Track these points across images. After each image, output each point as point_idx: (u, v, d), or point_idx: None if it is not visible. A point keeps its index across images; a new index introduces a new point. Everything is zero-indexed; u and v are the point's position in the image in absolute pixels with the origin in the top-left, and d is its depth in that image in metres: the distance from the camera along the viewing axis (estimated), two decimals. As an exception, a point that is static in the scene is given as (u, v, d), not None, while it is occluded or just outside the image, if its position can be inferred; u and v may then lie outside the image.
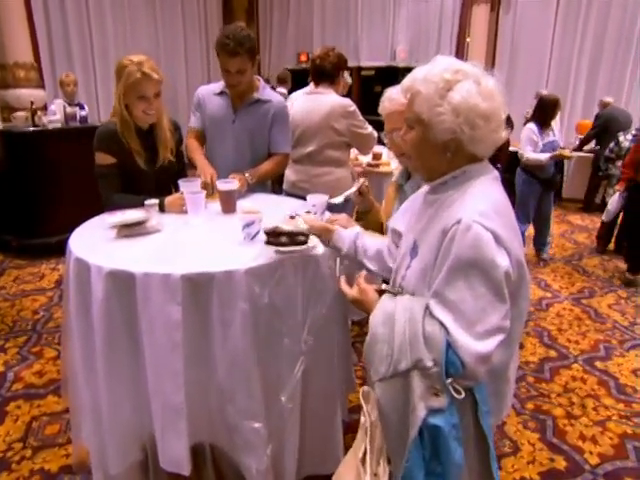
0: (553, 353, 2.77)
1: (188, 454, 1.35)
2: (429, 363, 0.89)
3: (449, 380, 0.89)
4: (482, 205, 0.94)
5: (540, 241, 4.23)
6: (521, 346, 2.83)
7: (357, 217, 1.66)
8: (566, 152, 3.88)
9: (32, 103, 4.19)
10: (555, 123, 4.17)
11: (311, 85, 3.50)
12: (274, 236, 1.29)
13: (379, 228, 1.67)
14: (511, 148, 4.67)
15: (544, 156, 3.78)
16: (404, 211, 1.24)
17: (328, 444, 1.60)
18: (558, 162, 4.15)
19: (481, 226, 0.90)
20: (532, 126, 3.88)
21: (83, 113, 4.25)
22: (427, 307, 0.94)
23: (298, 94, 3.36)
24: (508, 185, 3.07)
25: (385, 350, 0.92)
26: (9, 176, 4.05)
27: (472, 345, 0.89)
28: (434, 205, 1.04)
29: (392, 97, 1.41)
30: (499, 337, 0.91)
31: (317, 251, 1.35)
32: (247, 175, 2.02)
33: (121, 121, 1.81)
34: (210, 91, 2.21)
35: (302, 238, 1.29)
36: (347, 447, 1.82)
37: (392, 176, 2.93)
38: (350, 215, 1.63)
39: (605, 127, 5.62)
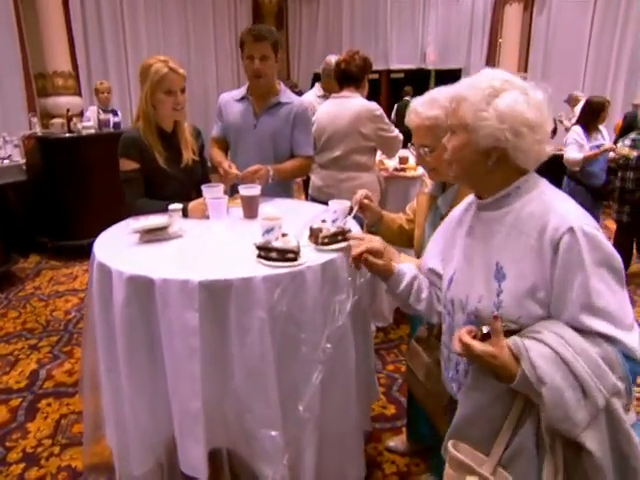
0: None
1: (205, 459, 1.35)
2: (619, 383, 0.85)
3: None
4: (574, 209, 0.96)
5: None
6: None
7: (368, 230, 1.61)
8: (624, 150, 3.56)
9: (68, 110, 4.37)
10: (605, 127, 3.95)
11: (317, 86, 3.51)
12: (265, 251, 1.31)
13: (395, 237, 1.62)
14: (556, 152, 4.48)
15: (579, 155, 3.60)
16: (438, 244, 1.18)
17: (349, 454, 1.57)
18: (611, 169, 3.84)
19: (590, 226, 0.91)
20: (577, 128, 3.75)
21: (116, 119, 4.39)
22: (571, 327, 0.88)
23: (311, 97, 3.35)
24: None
25: (574, 396, 0.82)
26: (46, 180, 4.22)
27: (634, 341, 0.88)
28: (505, 220, 0.99)
29: (418, 110, 1.35)
30: (636, 324, 0.91)
31: (306, 268, 1.30)
32: (270, 171, 2.01)
33: (145, 122, 1.85)
34: (231, 97, 2.25)
35: (291, 255, 1.29)
36: (368, 456, 1.80)
37: (419, 181, 2.89)
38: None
39: (629, 128, 5.39)
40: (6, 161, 4.33)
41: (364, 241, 1.26)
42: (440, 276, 1.16)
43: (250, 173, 1.95)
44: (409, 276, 1.19)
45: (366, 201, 1.56)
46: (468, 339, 0.89)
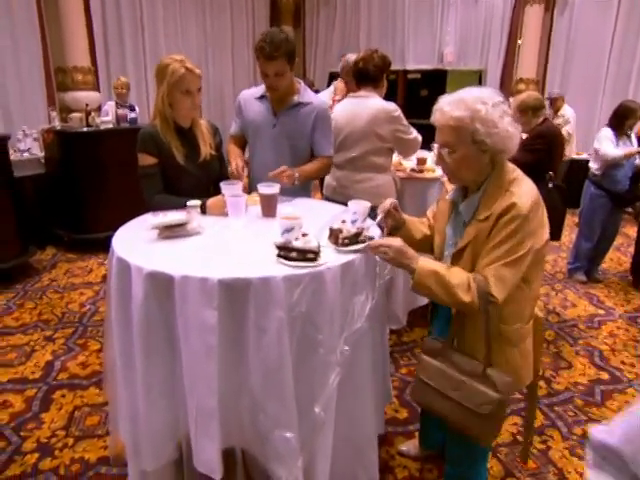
0: (605, 375, 2.59)
1: (220, 458, 1.34)
2: None
3: None
4: None
5: (596, 261, 3.92)
6: (569, 365, 2.67)
7: (389, 234, 1.58)
8: None
9: (87, 105, 4.40)
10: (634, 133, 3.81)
11: (335, 85, 3.51)
12: (285, 250, 1.29)
13: (417, 244, 1.58)
14: (575, 156, 4.36)
15: (619, 152, 3.48)
16: None
17: (362, 457, 1.56)
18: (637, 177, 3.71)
19: None
20: (606, 129, 3.62)
21: (133, 115, 4.41)
22: None
23: (328, 95, 3.33)
24: (563, 193, 2.89)
25: None
26: (63, 173, 4.26)
27: None
28: None
29: (444, 109, 1.31)
30: None
31: (326, 269, 1.28)
32: (296, 173, 2.00)
33: (162, 120, 1.87)
34: (251, 95, 2.23)
35: (312, 255, 1.28)
36: (380, 460, 1.78)
37: (437, 183, 2.86)
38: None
39: None
40: (25, 154, 4.38)
41: (384, 241, 1.30)
42: None
43: (276, 174, 1.93)
44: None
45: (393, 210, 1.53)
46: None
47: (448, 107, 1.30)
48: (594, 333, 3.06)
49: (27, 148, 4.43)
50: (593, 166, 3.69)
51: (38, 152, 4.50)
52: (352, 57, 3.29)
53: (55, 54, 5.45)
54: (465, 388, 1.31)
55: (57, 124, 4.51)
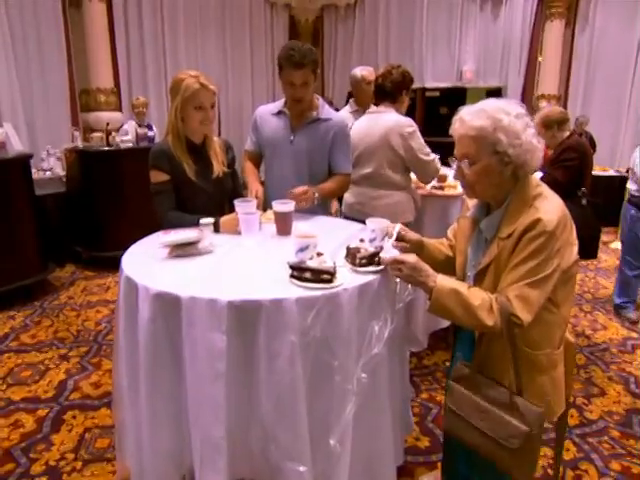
0: (643, 405, 2.42)
1: (227, 492, 1.26)
2: None
3: None
4: None
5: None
6: (602, 392, 2.50)
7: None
8: None
9: (107, 124, 4.49)
10: None
11: (350, 102, 3.52)
12: (299, 271, 1.23)
13: (441, 267, 1.52)
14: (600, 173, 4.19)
15: None
16: None
17: (380, 492, 1.45)
18: None
19: None
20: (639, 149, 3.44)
21: (151, 134, 4.47)
22: None
23: (344, 113, 3.31)
24: (598, 210, 2.76)
25: None
26: (84, 192, 4.32)
27: None
28: None
29: (464, 119, 1.26)
30: None
31: (342, 290, 1.22)
32: (316, 193, 1.97)
33: (174, 136, 1.86)
34: (268, 111, 2.20)
35: (327, 276, 1.21)
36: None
37: (459, 200, 2.77)
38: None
39: None
40: (48, 173, 4.47)
41: (397, 256, 1.28)
42: None
43: (297, 195, 1.90)
44: None
45: (402, 232, 1.49)
46: None
47: (468, 117, 1.24)
48: (628, 358, 2.89)
49: (50, 167, 4.52)
50: (632, 187, 3.44)
51: (60, 171, 4.59)
52: (357, 70, 3.35)
53: (80, 76, 5.63)
54: (490, 418, 1.23)
55: (79, 143, 4.60)
